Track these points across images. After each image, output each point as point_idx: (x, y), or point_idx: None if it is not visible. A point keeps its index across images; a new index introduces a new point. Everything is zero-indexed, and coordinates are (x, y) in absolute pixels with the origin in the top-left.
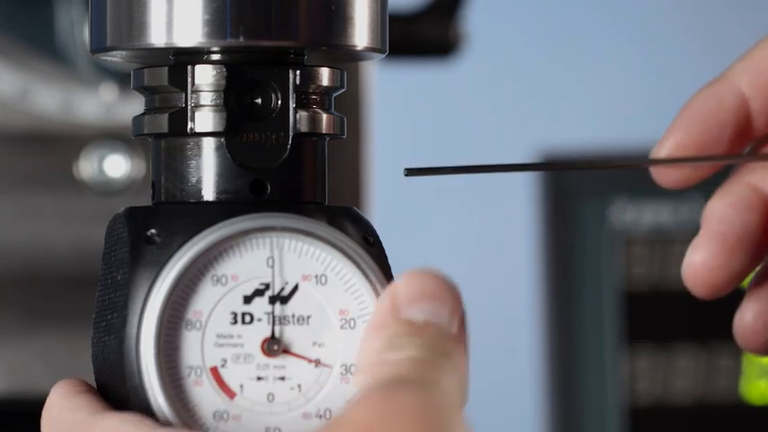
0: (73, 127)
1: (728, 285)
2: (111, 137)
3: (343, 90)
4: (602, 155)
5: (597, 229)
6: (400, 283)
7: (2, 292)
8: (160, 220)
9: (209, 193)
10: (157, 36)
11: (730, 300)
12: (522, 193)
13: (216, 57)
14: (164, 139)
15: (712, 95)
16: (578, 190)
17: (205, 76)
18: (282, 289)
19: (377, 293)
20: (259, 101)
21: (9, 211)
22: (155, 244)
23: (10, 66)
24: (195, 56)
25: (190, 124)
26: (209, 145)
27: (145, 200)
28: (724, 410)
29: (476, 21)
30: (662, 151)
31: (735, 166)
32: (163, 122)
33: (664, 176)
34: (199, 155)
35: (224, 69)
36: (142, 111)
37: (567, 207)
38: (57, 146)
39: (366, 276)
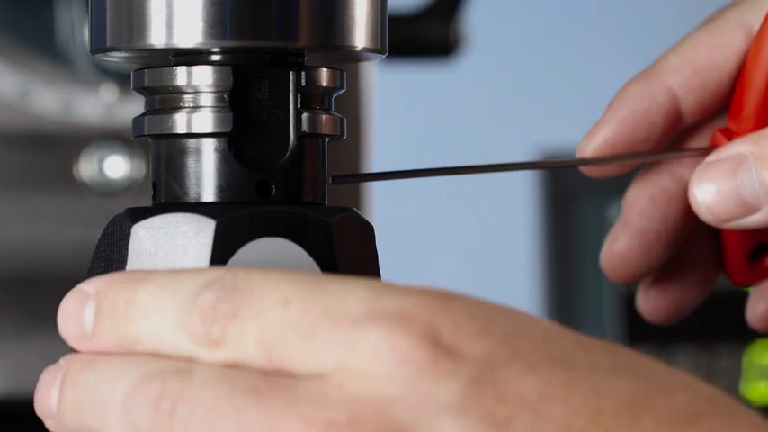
0: (73, 127)
1: (645, 275)
2: (111, 137)
3: (344, 90)
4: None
5: (597, 229)
6: None
7: (1, 292)
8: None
9: (210, 195)
10: (157, 37)
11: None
12: (522, 194)
13: (216, 57)
14: (164, 140)
15: (644, 95)
16: (578, 190)
17: (205, 77)
18: None
19: None
20: (259, 101)
21: (9, 211)
22: None
23: (10, 66)
24: (195, 56)
25: (190, 125)
26: (210, 146)
27: (145, 201)
28: None
29: (476, 21)
30: (590, 144)
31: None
32: (163, 123)
33: (588, 169)
34: (200, 156)
35: (224, 70)
36: (142, 111)
37: (567, 207)
38: (57, 146)
39: None
